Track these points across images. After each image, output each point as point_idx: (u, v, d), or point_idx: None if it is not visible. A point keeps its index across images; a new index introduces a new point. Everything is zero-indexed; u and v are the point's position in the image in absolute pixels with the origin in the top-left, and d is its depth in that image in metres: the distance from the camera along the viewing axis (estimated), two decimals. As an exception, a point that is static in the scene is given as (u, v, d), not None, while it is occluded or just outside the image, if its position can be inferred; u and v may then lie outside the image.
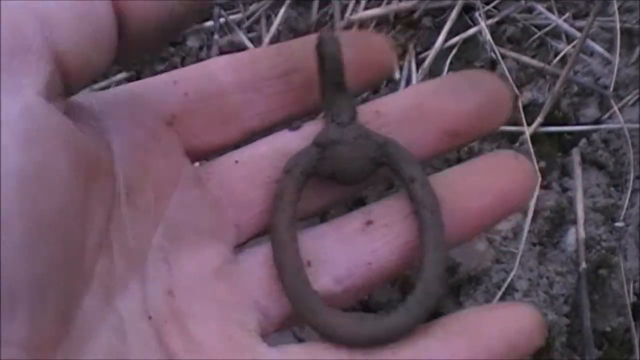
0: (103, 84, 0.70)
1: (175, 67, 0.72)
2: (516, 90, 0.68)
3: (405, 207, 0.42)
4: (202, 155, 0.42)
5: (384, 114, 0.43)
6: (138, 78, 0.71)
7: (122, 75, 0.70)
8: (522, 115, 0.67)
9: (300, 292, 0.40)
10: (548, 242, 0.63)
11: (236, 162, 0.42)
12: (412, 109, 0.43)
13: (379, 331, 0.39)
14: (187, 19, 0.37)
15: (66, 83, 0.34)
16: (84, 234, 0.35)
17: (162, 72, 0.70)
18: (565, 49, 0.71)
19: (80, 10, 0.34)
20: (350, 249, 0.41)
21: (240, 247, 0.42)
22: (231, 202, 0.41)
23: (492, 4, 0.72)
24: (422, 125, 0.43)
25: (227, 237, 0.41)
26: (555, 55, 0.71)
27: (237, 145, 0.43)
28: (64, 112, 0.34)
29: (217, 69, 0.42)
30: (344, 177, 0.42)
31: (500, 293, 0.59)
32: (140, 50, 0.37)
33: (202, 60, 0.72)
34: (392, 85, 0.70)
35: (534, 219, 0.62)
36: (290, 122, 0.43)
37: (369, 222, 0.42)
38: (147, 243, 0.38)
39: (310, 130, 0.43)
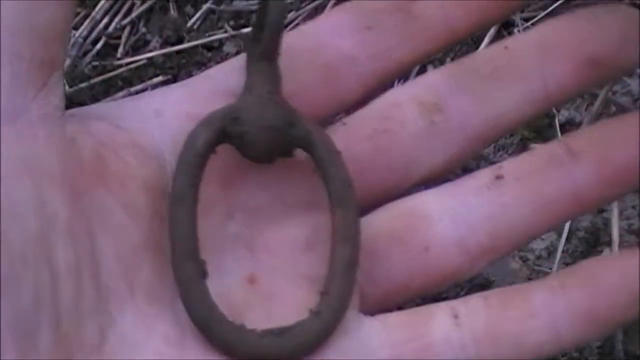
0: (139, 87, 0.70)
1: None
2: (554, 109, 0.68)
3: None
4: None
5: (512, 49, 0.39)
6: (174, 82, 0.71)
7: (158, 79, 0.70)
8: (559, 134, 0.66)
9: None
10: (582, 262, 0.63)
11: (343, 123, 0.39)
12: (546, 39, 0.39)
13: (290, 345, 0.36)
14: None
15: (39, 70, 0.32)
16: (97, 260, 0.34)
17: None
18: (604, 68, 0.70)
19: None
20: (475, 203, 0.38)
21: None
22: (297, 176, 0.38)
23: (531, 21, 0.72)
24: (559, 55, 0.38)
25: (318, 207, 0.38)
26: (594, 74, 0.70)
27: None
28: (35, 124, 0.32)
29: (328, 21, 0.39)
30: (252, 149, 0.37)
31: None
32: None
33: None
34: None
35: (568, 239, 0.62)
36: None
37: (499, 177, 0.38)
38: (219, 236, 0.37)
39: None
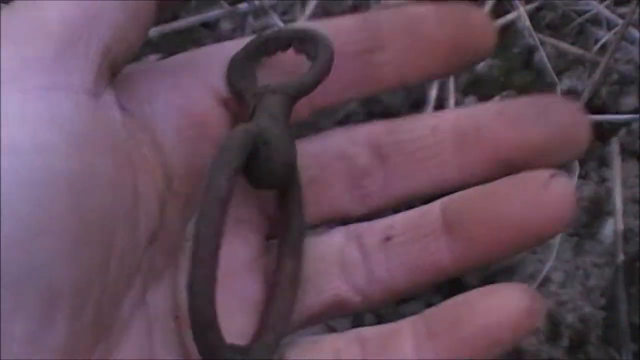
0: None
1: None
2: (555, 78, 0.67)
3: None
4: None
5: (440, 132, 0.40)
6: (171, 60, 0.71)
7: (154, 58, 0.70)
8: (561, 103, 0.66)
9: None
10: (585, 233, 0.62)
11: None
12: (469, 132, 0.40)
13: None
14: None
15: (112, 72, 0.33)
16: (133, 234, 0.34)
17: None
18: (606, 36, 0.69)
19: None
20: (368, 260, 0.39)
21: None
22: (261, 194, 0.39)
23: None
24: (476, 151, 0.39)
25: (263, 228, 0.39)
26: (596, 42, 0.69)
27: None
28: (110, 105, 0.33)
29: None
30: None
31: (535, 284, 0.58)
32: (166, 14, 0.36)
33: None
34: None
35: (570, 210, 0.61)
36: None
37: (387, 238, 0.40)
38: (182, 233, 0.37)
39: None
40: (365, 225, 0.40)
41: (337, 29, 0.39)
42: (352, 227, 0.40)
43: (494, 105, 0.41)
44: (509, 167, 0.39)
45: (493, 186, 0.40)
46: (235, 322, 0.36)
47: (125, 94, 0.35)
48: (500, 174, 0.39)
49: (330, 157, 0.40)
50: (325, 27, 0.39)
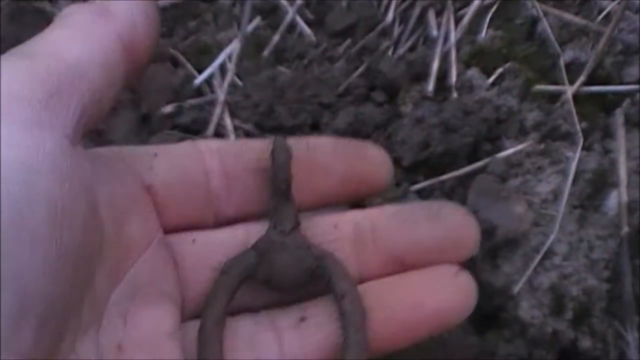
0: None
1: (207, 24, 0.70)
2: (558, 49, 0.66)
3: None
4: (177, 228, 0.44)
5: (340, 229, 0.45)
6: (170, 35, 0.70)
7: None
8: (564, 74, 0.65)
9: None
10: (589, 205, 0.61)
11: (193, 241, 0.44)
12: (365, 231, 0.44)
13: None
14: None
15: (86, 128, 0.37)
16: (91, 273, 0.38)
17: (194, 29, 0.70)
18: (609, 5, 0.68)
19: (101, 58, 0.38)
20: (283, 341, 0.43)
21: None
22: (181, 276, 0.43)
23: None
24: (371, 249, 0.44)
25: (180, 306, 0.43)
26: (599, 12, 0.69)
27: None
28: (83, 157, 0.37)
29: (207, 152, 0.45)
30: (278, 284, 0.43)
31: (538, 257, 0.58)
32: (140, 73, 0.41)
33: (234, 17, 0.71)
34: (429, 42, 0.68)
35: (574, 182, 0.61)
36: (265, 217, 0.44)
37: (303, 319, 0.43)
38: (107, 297, 0.40)
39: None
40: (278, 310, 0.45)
41: (247, 147, 0.45)
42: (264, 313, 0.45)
43: (391, 208, 0.46)
44: (401, 265, 0.44)
45: (408, 275, 0.45)
46: None
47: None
48: (394, 271, 0.44)
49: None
50: (238, 145, 0.46)
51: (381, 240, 0.44)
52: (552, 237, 0.58)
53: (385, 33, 0.70)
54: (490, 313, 0.58)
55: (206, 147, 0.45)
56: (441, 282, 0.44)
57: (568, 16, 0.68)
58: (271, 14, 0.71)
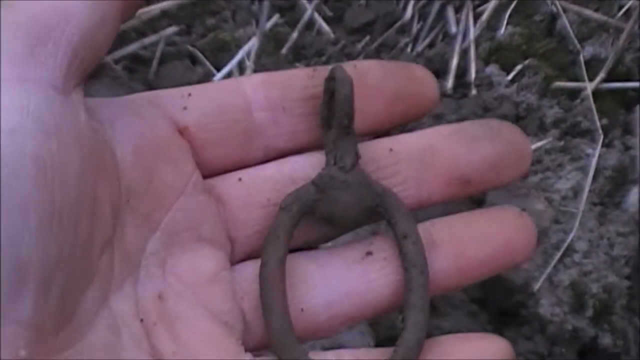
0: (153, 38, 0.69)
1: (225, 21, 0.71)
2: (578, 45, 0.66)
3: None
4: (220, 169, 0.43)
5: (396, 152, 0.43)
6: (188, 32, 0.70)
7: (172, 30, 0.69)
8: (584, 70, 0.65)
9: (283, 339, 0.40)
10: (609, 201, 0.61)
11: (240, 179, 0.42)
12: (425, 150, 0.43)
13: None
14: None
15: (80, 74, 0.35)
16: (92, 229, 0.36)
17: (212, 27, 0.70)
18: (629, 1, 0.68)
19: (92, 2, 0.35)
20: (346, 275, 0.42)
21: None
22: (228, 216, 0.42)
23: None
24: (433, 169, 0.43)
25: (226, 247, 0.42)
26: (619, 8, 0.68)
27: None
28: (77, 105, 0.35)
29: (248, 86, 0.42)
30: (338, 222, 0.42)
31: (559, 254, 0.58)
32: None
33: (253, 14, 0.71)
34: (448, 39, 0.68)
35: (594, 178, 0.61)
36: (317, 146, 0.43)
37: (368, 253, 0.42)
38: (142, 248, 0.39)
39: (321, 158, 0.42)
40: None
41: (292, 77, 0.43)
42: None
43: (447, 127, 0.45)
44: (466, 184, 0.43)
45: (473, 213, 0.45)
46: (199, 326, 0.39)
47: (88, 116, 0.37)
48: (458, 193, 0.43)
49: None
50: (282, 76, 0.44)
51: (442, 159, 0.43)
52: (572, 234, 0.58)
53: (404, 30, 0.70)
54: (510, 310, 0.58)
55: (248, 81, 0.43)
56: (506, 220, 0.43)
57: (588, 12, 0.68)
58: (290, 11, 0.71)
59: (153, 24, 0.70)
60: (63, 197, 0.33)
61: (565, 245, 0.58)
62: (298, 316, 0.41)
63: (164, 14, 0.70)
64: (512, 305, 0.58)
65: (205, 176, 0.42)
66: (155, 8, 0.69)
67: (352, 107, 0.41)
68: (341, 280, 0.42)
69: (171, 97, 0.42)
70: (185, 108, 0.41)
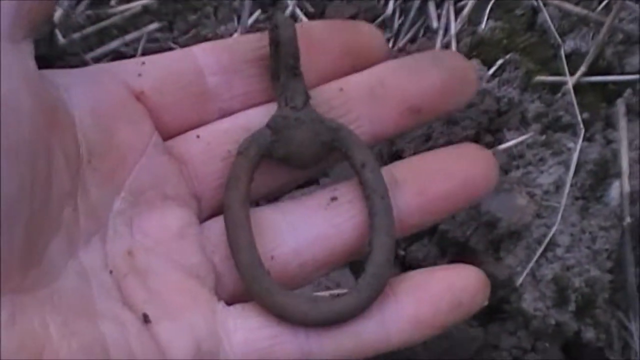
0: (135, 34, 0.68)
1: (207, 17, 0.70)
2: (559, 39, 0.66)
3: None
4: (178, 132, 0.44)
5: (346, 91, 0.44)
6: (170, 29, 0.70)
7: (154, 26, 0.69)
8: (565, 64, 0.65)
9: (252, 272, 0.41)
10: (591, 196, 0.61)
11: (197, 136, 0.44)
12: (374, 86, 0.44)
13: (330, 312, 0.41)
14: None
15: (28, 22, 0.36)
16: (50, 176, 0.37)
17: (194, 23, 0.70)
18: (610, -5, 0.68)
19: None
20: (312, 221, 0.43)
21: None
22: (191, 174, 0.43)
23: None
24: (385, 102, 0.44)
25: (191, 205, 0.43)
26: (600, 2, 0.68)
27: None
28: (27, 54, 0.37)
29: (200, 53, 0.44)
30: (296, 161, 0.43)
31: (541, 249, 0.58)
32: None
33: (235, 10, 0.70)
34: (429, 34, 0.68)
35: (576, 172, 0.61)
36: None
37: (333, 199, 0.43)
38: (108, 207, 0.41)
39: (275, 107, 0.43)
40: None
41: (241, 41, 0.45)
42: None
43: (394, 62, 0.46)
44: (417, 113, 0.44)
45: (433, 151, 0.46)
46: (170, 278, 0.41)
47: (42, 80, 0.38)
48: (410, 123, 0.45)
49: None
50: (232, 41, 0.46)
51: (392, 90, 0.44)
52: (554, 228, 0.59)
53: (386, 25, 0.70)
54: (493, 305, 0.58)
55: (198, 49, 0.45)
56: (467, 155, 0.45)
57: (568, 6, 0.68)
58: (272, 7, 0.71)
59: (134, 21, 0.69)
60: (18, 135, 0.34)
61: (548, 239, 0.58)
62: (269, 265, 0.42)
63: (146, 10, 0.69)
64: (495, 300, 0.58)
65: (165, 139, 0.43)
66: (136, 5, 0.69)
67: (296, 47, 0.41)
68: (308, 226, 0.43)
69: (126, 65, 0.44)
70: (140, 75, 0.43)
